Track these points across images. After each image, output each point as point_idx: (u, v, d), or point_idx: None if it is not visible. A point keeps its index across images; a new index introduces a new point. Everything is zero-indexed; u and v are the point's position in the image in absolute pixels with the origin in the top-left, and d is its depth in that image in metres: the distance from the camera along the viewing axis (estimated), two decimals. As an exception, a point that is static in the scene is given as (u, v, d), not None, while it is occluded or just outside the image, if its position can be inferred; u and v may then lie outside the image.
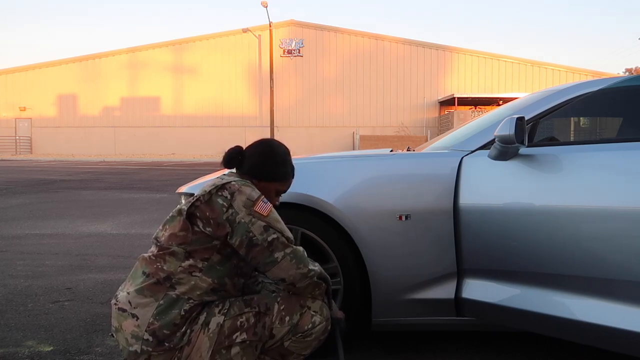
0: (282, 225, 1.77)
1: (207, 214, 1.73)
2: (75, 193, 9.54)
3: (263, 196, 1.78)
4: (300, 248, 1.78)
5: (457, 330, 2.60)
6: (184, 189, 2.59)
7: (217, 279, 1.77)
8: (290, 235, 1.78)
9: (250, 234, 1.72)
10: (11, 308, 3.05)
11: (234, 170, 1.95)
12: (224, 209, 1.72)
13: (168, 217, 1.82)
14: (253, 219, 1.72)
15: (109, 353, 2.40)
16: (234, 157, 1.91)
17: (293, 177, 2.00)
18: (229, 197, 1.73)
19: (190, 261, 1.74)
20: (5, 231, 5.61)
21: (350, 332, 2.37)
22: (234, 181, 1.78)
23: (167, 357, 1.69)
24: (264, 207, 1.75)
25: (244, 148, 1.96)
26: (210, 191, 1.75)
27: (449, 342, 2.53)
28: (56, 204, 7.99)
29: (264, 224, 1.72)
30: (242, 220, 1.72)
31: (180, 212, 1.78)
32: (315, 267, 1.80)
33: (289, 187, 2.00)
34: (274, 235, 1.73)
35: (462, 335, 2.60)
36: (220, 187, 1.75)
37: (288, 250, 1.73)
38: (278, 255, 1.72)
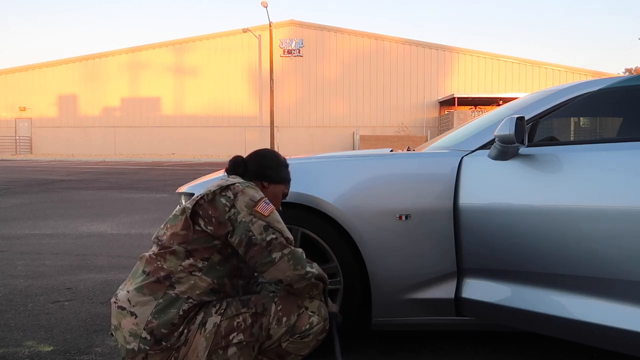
0: (282, 226, 1.78)
1: (210, 212, 1.75)
2: (75, 193, 9.54)
3: (265, 198, 1.81)
4: (299, 249, 1.78)
5: (457, 330, 2.60)
6: (184, 188, 2.59)
7: (216, 279, 1.77)
8: (290, 236, 1.78)
9: (250, 233, 1.73)
10: (11, 308, 3.05)
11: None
12: (227, 209, 1.74)
13: (170, 216, 1.84)
14: (254, 219, 1.74)
15: (109, 353, 2.40)
16: (239, 165, 1.97)
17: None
18: (232, 197, 1.76)
19: (191, 260, 1.74)
20: (5, 231, 5.61)
21: (350, 331, 2.37)
22: (239, 183, 1.82)
23: (164, 356, 1.69)
24: (266, 207, 1.77)
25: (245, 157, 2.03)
26: (214, 191, 1.78)
27: (449, 342, 2.53)
28: (56, 204, 7.99)
29: (264, 223, 1.74)
30: (243, 220, 1.73)
31: (183, 210, 1.79)
32: (313, 268, 1.80)
33: (288, 192, 2.09)
34: (273, 236, 1.73)
35: (462, 335, 2.60)
36: (224, 188, 1.78)
37: (286, 251, 1.73)
38: (276, 255, 1.72)
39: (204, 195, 1.78)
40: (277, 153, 2.09)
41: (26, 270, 3.93)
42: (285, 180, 2.04)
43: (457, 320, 2.28)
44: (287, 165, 2.06)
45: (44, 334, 2.65)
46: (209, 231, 1.75)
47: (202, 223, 1.76)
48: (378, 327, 2.34)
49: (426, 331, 2.58)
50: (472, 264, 2.19)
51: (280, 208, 2.04)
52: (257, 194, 1.80)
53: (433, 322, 2.31)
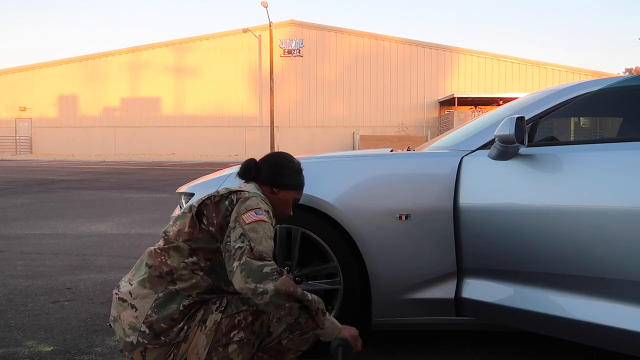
0: (257, 236, 1.68)
1: (213, 214, 1.77)
2: (75, 193, 9.54)
3: (261, 209, 1.75)
4: (260, 263, 1.64)
5: (457, 330, 2.60)
6: (184, 188, 2.59)
7: (216, 281, 1.78)
8: (261, 248, 1.67)
9: (229, 239, 1.72)
10: (11, 308, 3.05)
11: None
12: (227, 213, 1.76)
13: (180, 213, 1.86)
14: (237, 225, 1.72)
15: (109, 353, 2.40)
16: (251, 169, 1.95)
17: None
18: (234, 202, 1.77)
19: (194, 259, 1.75)
20: (5, 231, 5.61)
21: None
22: (248, 191, 1.82)
23: (163, 351, 1.69)
24: (251, 216, 1.72)
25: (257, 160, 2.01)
26: (222, 194, 1.80)
27: (449, 342, 2.53)
28: (56, 204, 7.99)
29: (241, 231, 1.70)
30: (230, 226, 1.74)
31: (191, 208, 1.81)
32: (269, 285, 1.61)
33: (301, 196, 2.06)
34: (242, 244, 1.67)
35: (462, 335, 2.60)
36: (232, 192, 1.80)
37: (242, 260, 1.65)
38: (236, 264, 1.66)
39: (211, 196, 1.81)
40: (291, 158, 2.04)
41: (26, 270, 3.93)
42: (296, 187, 2.00)
43: (457, 320, 2.28)
44: (300, 171, 2.03)
45: (44, 334, 2.64)
46: (211, 231, 1.77)
47: (205, 222, 1.77)
48: (378, 327, 2.34)
49: (426, 331, 2.58)
50: (472, 264, 2.19)
51: (291, 213, 2.03)
52: (254, 203, 1.76)
53: (433, 322, 2.31)
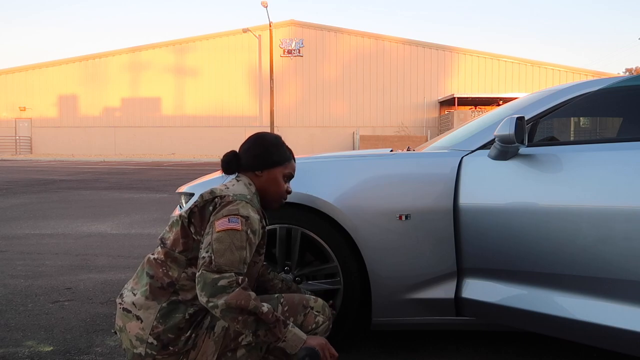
0: (221, 247, 1.64)
1: (200, 223, 1.74)
2: (75, 193, 9.54)
3: (238, 215, 1.68)
4: (216, 276, 1.61)
5: (456, 330, 2.60)
6: (184, 188, 2.59)
7: None
8: (224, 261, 1.63)
9: (201, 244, 1.71)
10: (11, 308, 3.05)
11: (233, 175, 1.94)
12: (210, 219, 1.73)
13: (174, 219, 1.83)
14: (210, 231, 1.69)
15: (109, 353, 2.40)
16: (231, 161, 1.89)
17: (294, 160, 1.97)
18: (217, 206, 1.73)
19: (193, 269, 1.74)
20: (5, 231, 5.61)
21: (350, 331, 2.37)
22: (232, 194, 1.75)
23: None
24: (223, 223, 1.67)
25: (238, 150, 1.95)
26: (206, 199, 1.75)
27: (449, 341, 2.53)
28: (56, 204, 7.99)
29: (209, 240, 1.67)
30: (206, 230, 1.71)
31: (181, 217, 1.78)
32: (220, 300, 1.58)
33: (293, 169, 1.96)
34: (205, 254, 1.65)
35: (462, 335, 2.60)
36: (216, 197, 1.75)
37: (199, 272, 1.64)
38: (197, 274, 1.65)
39: (197, 203, 1.76)
40: (266, 135, 1.93)
41: (26, 270, 3.93)
42: (280, 162, 1.89)
43: (457, 320, 2.28)
44: (280, 145, 1.91)
45: (44, 334, 2.64)
46: (201, 241, 1.74)
47: (193, 232, 1.75)
48: (378, 327, 2.34)
49: (426, 331, 2.58)
50: (472, 264, 2.19)
51: (290, 189, 1.94)
52: (234, 209, 1.70)
53: (433, 322, 2.31)
